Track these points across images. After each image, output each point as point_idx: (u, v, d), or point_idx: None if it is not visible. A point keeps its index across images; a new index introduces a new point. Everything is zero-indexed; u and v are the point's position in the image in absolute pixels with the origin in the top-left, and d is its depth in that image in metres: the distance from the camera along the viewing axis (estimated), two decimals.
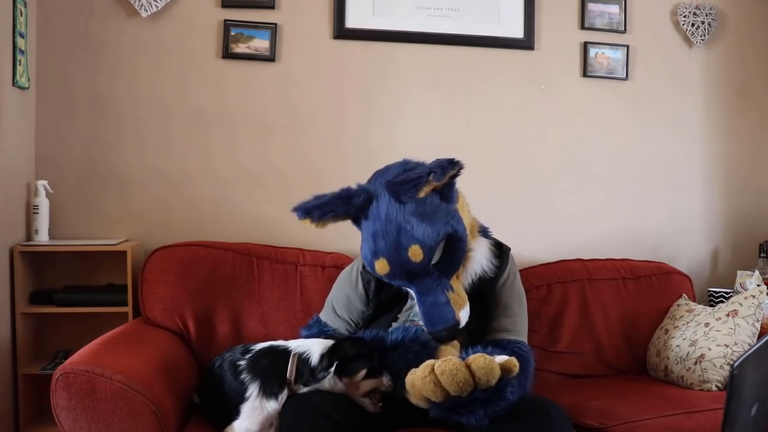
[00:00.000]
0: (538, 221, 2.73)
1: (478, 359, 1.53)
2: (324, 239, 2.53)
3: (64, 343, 2.36)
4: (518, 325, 1.90)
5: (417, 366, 1.61)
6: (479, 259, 1.83)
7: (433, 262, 1.70)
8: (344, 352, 1.68)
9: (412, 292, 1.77)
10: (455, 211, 1.74)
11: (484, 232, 1.95)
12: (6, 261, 2.22)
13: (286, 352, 1.72)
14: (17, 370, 2.26)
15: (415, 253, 1.65)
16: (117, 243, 2.35)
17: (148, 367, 1.80)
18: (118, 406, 1.63)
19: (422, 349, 1.71)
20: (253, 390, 1.68)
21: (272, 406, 1.66)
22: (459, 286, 1.76)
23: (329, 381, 1.67)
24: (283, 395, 1.67)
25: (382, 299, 1.91)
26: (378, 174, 1.79)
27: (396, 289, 1.86)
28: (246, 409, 1.68)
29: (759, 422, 1.18)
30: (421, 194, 1.66)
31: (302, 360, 1.69)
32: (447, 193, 1.73)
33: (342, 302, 2.00)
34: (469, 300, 1.80)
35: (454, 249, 1.72)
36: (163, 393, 1.74)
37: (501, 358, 1.56)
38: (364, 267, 1.97)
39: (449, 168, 1.66)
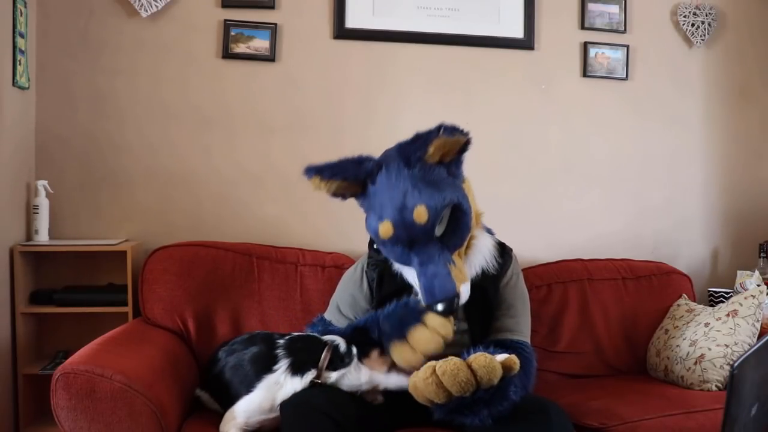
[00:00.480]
0: (538, 221, 2.73)
1: (479, 358, 1.53)
2: (324, 239, 2.53)
3: (64, 343, 2.36)
4: (521, 326, 1.90)
5: (401, 329, 1.64)
6: (483, 250, 1.84)
7: (437, 234, 1.70)
8: (357, 339, 1.75)
9: (413, 268, 1.75)
10: (461, 188, 1.77)
11: (487, 230, 1.96)
12: (6, 261, 2.23)
13: (321, 342, 1.77)
14: (17, 370, 2.26)
15: (420, 213, 1.65)
16: (117, 243, 2.35)
17: (148, 367, 1.80)
18: (118, 406, 1.63)
19: (407, 312, 1.71)
20: (282, 364, 1.73)
21: (293, 385, 1.69)
22: (461, 262, 1.76)
23: (355, 366, 1.72)
24: (307, 379, 1.70)
25: (384, 294, 1.90)
26: (387, 150, 1.82)
27: (399, 284, 1.86)
28: (268, 381, 1.72)
29: (759, 422, 1.18)
30: (431, 150, 1.67)
31: (334, 348, 1.74)
32: (454, 169, 1.76)
33: (347, 302, 1.99)
34: (472, 297, 1.79)
35: (458, 221, 1.72)
36: (163, 393, 1.74)
37: (501, 357, 1.57)
38: (368, 265, 1.97)
39: (458, 130, 1.68)
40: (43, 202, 2.34)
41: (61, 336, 2.40)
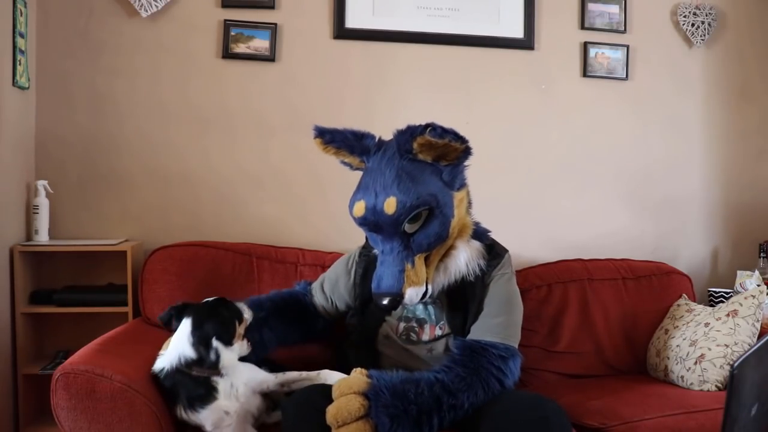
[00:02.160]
0: (538, 221, 2.73)
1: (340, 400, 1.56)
2: (324, 238, 2.53)
3: (64, 343, 2.37)
4: (496, 326, 1.82)
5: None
6: (460, 261, 1.81)
7: (408, 230, 1.71)
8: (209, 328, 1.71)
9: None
10: (450, 196, 1.76)
11: (481, 234, 1.92)
12: (6, 261, 2.23)
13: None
14: (17, 370, 2.26)
15: (390, 204, 1.68)
16: (117, 243, 2.35)
17: (148, 367, 1.79)
18: (118, 406, 1.63)
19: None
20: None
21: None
22: (422, 267, 1.75)
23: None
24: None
25: (366, 293, 1.89)
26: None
27: None
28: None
29: (759, 422, 1.18)
30: (415, 146, 1.70)
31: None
32: (447, 176, 1.76)
33: (331, 281, 2.03)
34: (452, 302, 1.81)
35: (429, 226, 1.72)
36: (163, 393, 1.74)
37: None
38: (360, 255, 1.99)
39: (452, 134, 1.68)
40: (43, 202, 2.34)
41: (61, 336, 2.40)
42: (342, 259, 2.08)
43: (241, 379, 1.71)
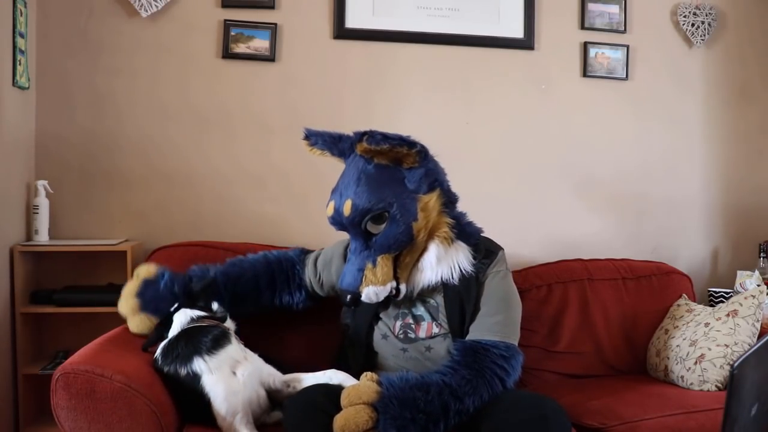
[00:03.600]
0: (538, 221, 2.73)
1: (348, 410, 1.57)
2: (325, 237, 2.52)
3: (64, 343, 2.37)
4: (494, 324, 1.82)
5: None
6: (432, 262, 1.82)
7: (375, 232, 1.76)
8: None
9: None
10: (412, 198, 1.78)
11: (469, 234, 1.90)
12: (6, 261, 2.23)
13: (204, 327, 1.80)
14: (17, 370, 2.26)
15: (347, 207, 1.77)
16: (117, 243, 2.35)
17: (148, 367, 1.79)
18: (118, 406, 1.63)
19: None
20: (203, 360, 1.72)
21: (230, 355, 1.74)
22: (386, 267, 1.77)
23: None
24: (230, 350, 1.74)
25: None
26: None
27: None
28: (209, 369, 1.72)
29: (759, 422, 1.18)
30: (358, 151, 1.80)
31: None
32: (410, 180, 1.79)
33: (326, 257, 2.06)
34: (449, 301, 1.83)
35: (389, 227, 1.76)
36: (163, 393, 1.73)
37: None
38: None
39: (394, 139, 1.74)
40: (43, 202, 2.34)
41: (61, 336, 2.40)
42: (342, 241, 2.06)
43: (250, 361, 1.74)
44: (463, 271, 1.83)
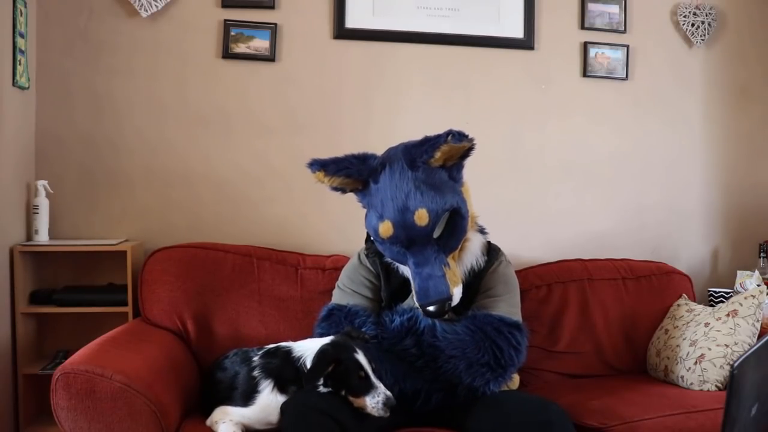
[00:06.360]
0: (538, 221, 2.73)
1: None
2: (325, 239, 2.53)
3: (64, 343, 2.36)
4: (499, 303, 1.87)
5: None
6: (474, 251, 1.88)
7: (435, 236, 1.73)
8: (320, 366, 1.66)
9: (408, 266, 1.79)
10: (461, 192, 1.81)
11: (480, 230, 1.98)
12: (6, 261, 2.22)
13: (290, 356, 1.76)
14: (17, 370, 2.26)
15: (421, 216, 1.69)
16: (117, 243, 2.35)
17: (148, 367, 1.80)
18: (118, 406, 1.63)
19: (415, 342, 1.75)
20: (266, 386, 1.73)
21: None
22: (455, 265, 1.80)
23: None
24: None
25: (393, 288, 1.92)
26: (391, 148, 1.85)
27: (401, 276, 1.88)
28: (260, 402, 1.73)
29: (759, 422, 1.18)
30: (437, 155, 1.72)
31: (301, 364, 1.72)
32: (455, 173, 1.81)
33: (357, 281, 1.97)
34: (462, 296, 1.82)
35: (456, 225, 1.76)
36: (163, 393, 1.74)
37: None
38: (367, 256, 1.99)
39: (465, 137, 1.72)
40: (43, 202, 2.34)
41: (61, 336, 2.40)
42: (353, 264, 2.02)
43: None
44: (480, 263, 1.88)
